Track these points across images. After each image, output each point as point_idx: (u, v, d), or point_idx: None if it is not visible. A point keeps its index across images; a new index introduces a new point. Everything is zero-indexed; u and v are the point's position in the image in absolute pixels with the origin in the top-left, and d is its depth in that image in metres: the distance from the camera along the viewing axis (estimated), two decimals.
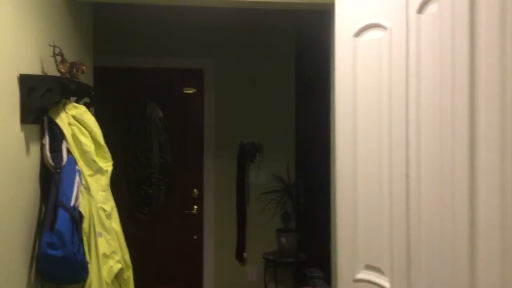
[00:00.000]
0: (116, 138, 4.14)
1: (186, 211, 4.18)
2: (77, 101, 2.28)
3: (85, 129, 2.03)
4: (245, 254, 4.20)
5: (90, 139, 2.03)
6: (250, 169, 4.24)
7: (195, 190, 4.21)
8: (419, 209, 1.53)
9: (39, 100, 1.79)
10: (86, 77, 2.59)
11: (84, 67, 2.13)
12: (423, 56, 1.48)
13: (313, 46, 3.91)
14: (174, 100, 4.22)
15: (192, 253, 4.19)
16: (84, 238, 1.95)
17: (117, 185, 4.06)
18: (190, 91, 4.24)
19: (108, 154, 2.11)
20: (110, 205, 2.07)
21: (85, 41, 2.72)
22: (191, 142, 4.23)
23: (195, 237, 4.19)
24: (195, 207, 4.19)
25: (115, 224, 2.08)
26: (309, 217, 4.15)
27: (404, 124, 1.58)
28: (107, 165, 2.10)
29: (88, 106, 2.29)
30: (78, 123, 2.02)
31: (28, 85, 1.75)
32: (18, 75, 1.74)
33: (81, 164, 1.99)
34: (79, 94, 2.26)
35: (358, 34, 1.77)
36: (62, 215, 1.80)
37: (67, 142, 1.96)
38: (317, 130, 3.79)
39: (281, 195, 4.12)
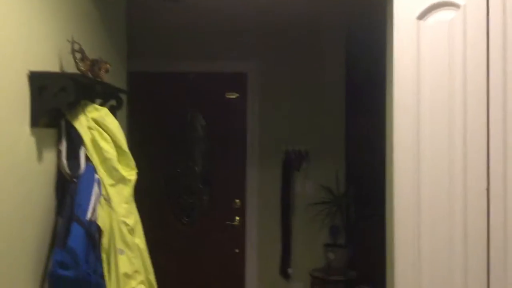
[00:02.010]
0: (155, 146, 4.02)
1: (228, 223, 3.95)
2: (103, 104, 2.09)
3: (107, 133, 1.82)
4: (290, 270, 3.93)
5: (112, 144, 1.82)
6: (296, 179, 3.97)
7: (237, 200, 3.98)
8: (505, 233, 1.19)
9: (52, 100, 1.59)
10: (117, 80, 2.41)
11: (108, 65, 1.93)
12: (510, 34, 1.14)
13: (365, 46, 3.60)
14: (215, 106, 4.03)
15: (234, 268, 3.96)
16: (103, 255, 1.74)
17: (156, 194, 4.01)
18: (233, 96, 4.03)
19: (132, 162, 1.89)
20: (133, 218, 1.85)
21: (116, 40, 2.54)
22: (233, 149, 4.02)
23: (236, 251, 3.96)
24: (237, 218, 3.96)
25: (139, 240, 1.86)
26: (360, 230, 3.81)
27: (485, 123, 1.25)
28: (131, 174, 1.87)
29: (114, 109, 2.10)
30: (99, 127, 1.81)
31: (39, 83, 1.56)
32: (28, 72, 1.55)
33: (101, 173, 1.78)
34: (104, 96, 2.06)
35: (422, 16, 1.46)
36: (76, 230, 1.59)
37: (86, 148, 1.76)
38: (370, 136, 3.47)
39: (330, 206, 3.83)
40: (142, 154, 3.23)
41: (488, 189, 1.24)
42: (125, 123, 2.55)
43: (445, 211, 1.39)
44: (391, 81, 1.62)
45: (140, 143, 3.78)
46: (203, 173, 4.04)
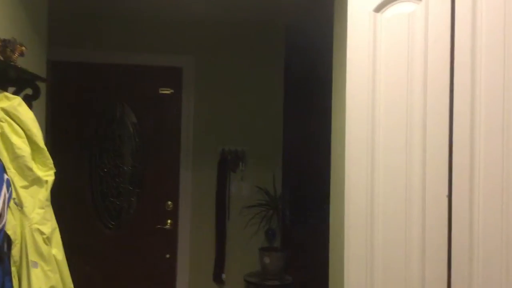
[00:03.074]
0: (80, 143, 3.71)
1: (159, 226, 3.73)
2: (16, 93, 1.81)
3: (20, 127, 1.56)
4: (223, 276, 3.78)
5: (25, 140, 1.57)
6: (231, 180, 3.82)
7: (169, 202, 3.76)
8: (470, 245, 1.11)
9: None
10: (35, 66, 2.13)
11: (23, 48, 1.67)
12: (480, 31, 1.06)
13: (305, 45, 3.53)
14: (148, 102, 3.80)
15: (165, 274, 3.75)
16: (13, 269, 1.50)
17: (79, 196, 3.71)
18: (167, 91, 3.81)
19: (49, 160, 1.65)
20: (49, 226, 1.60)
21: (36, 21, 2.25)
22: (166, 148, 3.80)
23: (168, 256, 3.74)
24: (169, 221, 3.74)
25: (56, 251, 1.62)
26: (296, 234, 3.75)
27: (447, 125, 1.16)
28: (47, 174, 1.63)
29: (30, 99, 1.83)
30: (11, 118, 1.56)
31: None
32: None
33: (12, 173, 1.52)
34: (18, 83, 1.79)
35: (380, 8, 1.36)
36: None
37: None
38: (308, 137, 3.41)
39: (266, 209, 3.71)
40: (63, 151, 2.94)
41: (449, 196, 1.15)
42: (44, 116, 2.27)
43: (402, 217, 1.30)
44: (343, 80, 1.51)
45: (62, 139, 3.50)
46: (132, 173, 3.79)
